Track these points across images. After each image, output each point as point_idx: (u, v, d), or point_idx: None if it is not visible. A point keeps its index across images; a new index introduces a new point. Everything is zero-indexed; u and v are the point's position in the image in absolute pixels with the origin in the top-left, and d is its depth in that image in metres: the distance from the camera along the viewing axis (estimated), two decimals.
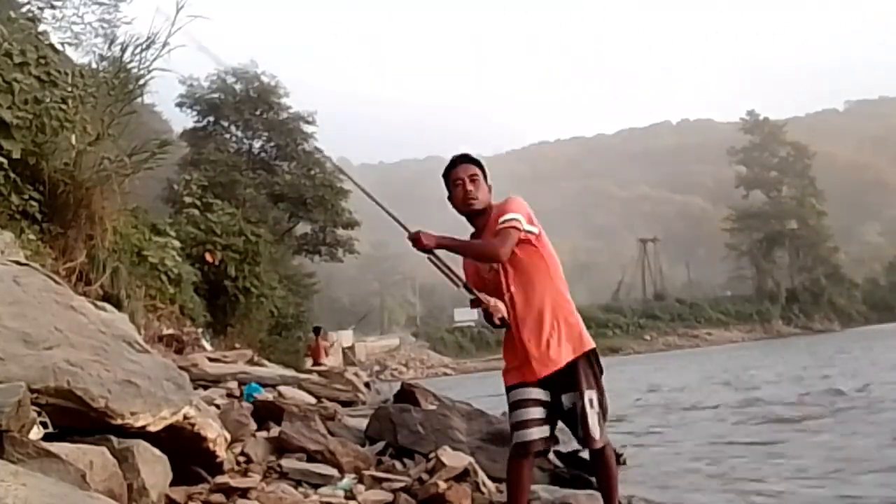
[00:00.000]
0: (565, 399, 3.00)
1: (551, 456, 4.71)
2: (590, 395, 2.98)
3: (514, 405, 3.04)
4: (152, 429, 2.83)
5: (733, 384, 14.66)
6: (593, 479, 3.47)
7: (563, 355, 2.99)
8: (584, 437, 2.98)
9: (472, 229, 3.17)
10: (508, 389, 3.09)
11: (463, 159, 3.16)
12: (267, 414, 4.80)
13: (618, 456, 6.06)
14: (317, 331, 15.89)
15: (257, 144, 32.80)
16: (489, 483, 3.93)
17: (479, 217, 3.12)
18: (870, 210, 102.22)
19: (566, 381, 2.99)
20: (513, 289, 3.04)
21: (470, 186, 3.08)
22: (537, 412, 3.00)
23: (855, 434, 7.09)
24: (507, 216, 2.99)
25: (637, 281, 69.51)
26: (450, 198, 3.16)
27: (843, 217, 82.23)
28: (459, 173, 3.12)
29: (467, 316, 65.19)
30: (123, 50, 8.02)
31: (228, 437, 3.52)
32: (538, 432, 2.98)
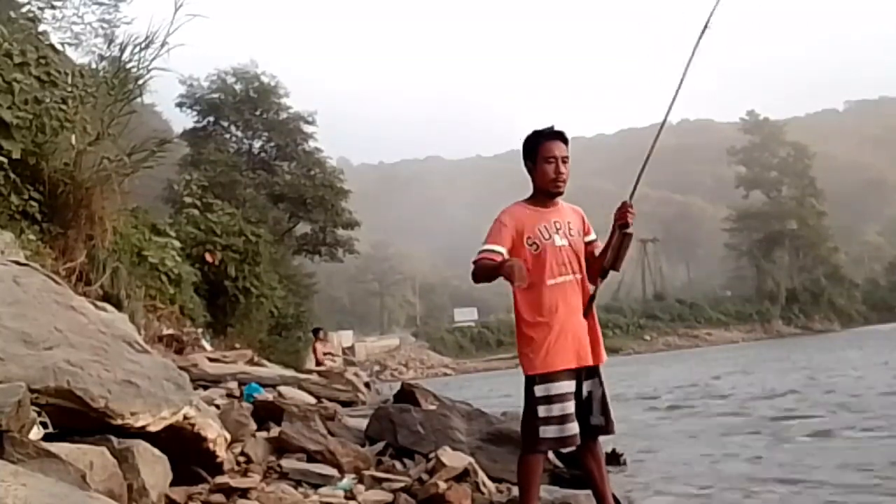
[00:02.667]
0: (585, 386, 3.04)
1: (551, 455, 4.71)
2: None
3: (556, 398, 2.93)
4: (152, 429, 2.83)
5: None
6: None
7: (603, 351, 3.13)
8: (606, 424, 3.07)
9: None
10: (544, 379, 2.95)
11: (559, 136, 3.07)
12: (267, 414, 4.80)
13: (618, 456, 6.10)
14: (315, 332, 15.69)
15: (257, 144, 32.84)
16: (489, 483, 3.92)
17: (553, 197, 3.11)
18: (870, 210, 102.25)
19: (588, 370, 3.06)
20: (582, 275, 3.10)
21: (563, 168, 3.04)
22: (573, 406, 2.97)
23: None
24: (596, 237, 3.21)
25: (637, 281, 69.55)
26: (531, 169, 3.09)
27: (843, 217, 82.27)
28: (555, 150, 3.03)
29: (467, 316, 65.33)
30: (123, 50, 8.02)
31: (228, 437, 3.51)
32: (577, 427, 2.96)
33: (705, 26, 3.14)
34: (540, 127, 3.14)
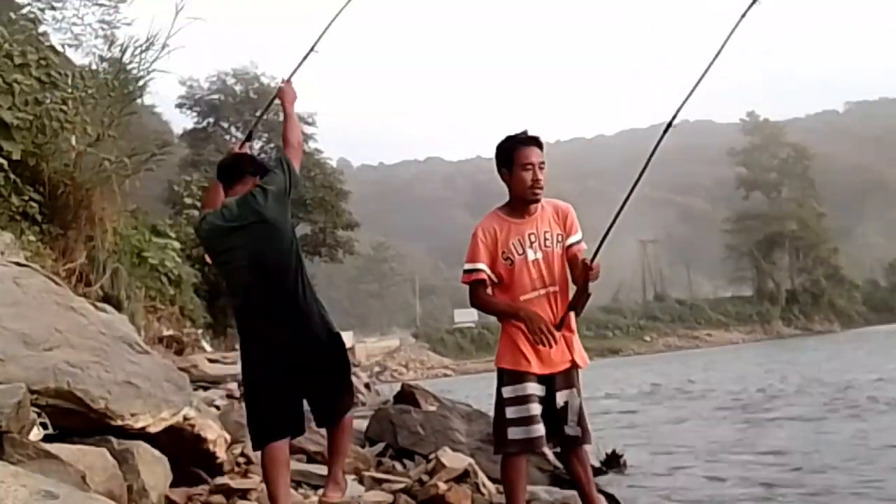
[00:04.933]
0: (560, 396, 3.02)
1: (551, 457, 4.71)
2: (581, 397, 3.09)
3: (517, 400, 2.95)
4: (152, 430, 2.83)
5: None
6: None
7: (579, 357, 3.09)
8: (583, 434, 3.04)
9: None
10: (510, 381, 2.97)
11: (535, 141, 3.05)
12: None
13: (618, 457, 6.10)
14: None
15: (257, 146, 32.81)
16: (489, 484, 3.92)
17: (530, 204, 3.08)
18: (870, 211, 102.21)
19: (563, 379, 3.03)
20: (557, 287, 3.07)
21: (540, 175, 3.01)
22: (539, 409, 2.96)
23: None
24: (581, 237, 3.12)
25: (637, 282, 69.50)
26: (505, 174, 3.06)
27: (843, 218, 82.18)
28: (532, 157, 3.00)
29: (467, 317, 65.17)
30: (123, 51, 8.03)
31: (228, 438, 3.52)
32: (542, 429, 2.95)
33: (737, 23, 3.11)
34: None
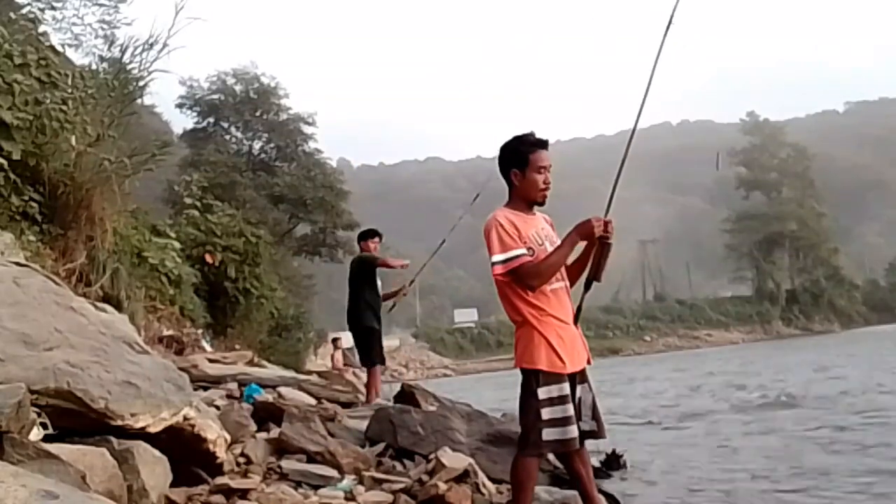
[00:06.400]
0: (578, 390, 3.07)
1: (551, 456, 4.70)
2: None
3: (553, 401, 2.94)
4: (152, 430, 2.83)
5: None
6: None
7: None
8: (599, 429, 3.11)
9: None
10: (546, 382, 2.95)
11: (546, 146, 3.13)
12: (267, 415, 4.80)
13: (618, 457, 6.09)
14: (334, 341, 16.35)
15: (257, 145, 32.91)
16: (489, 484, 3.92)
17: (539, 205, 3.17)
18: (870, 211, 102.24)
19: (579, 376, 3.10)
20: (567, 283, 3.13)
21: (549, 179, 3.11)
22: (573, 409, 3.00)
23: None
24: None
25: (637, 282, 69.50)
26: (517, 175, 3.08)
27: (843, 218, 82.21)
28: (546, 161, 3.08)
29: (467, 317, 65.22)
30: (123, 51, 8.04)
31: (228, 438, 3.51)
32: (577, 429, 2.98)
33: (669, 23, 3.19)
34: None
